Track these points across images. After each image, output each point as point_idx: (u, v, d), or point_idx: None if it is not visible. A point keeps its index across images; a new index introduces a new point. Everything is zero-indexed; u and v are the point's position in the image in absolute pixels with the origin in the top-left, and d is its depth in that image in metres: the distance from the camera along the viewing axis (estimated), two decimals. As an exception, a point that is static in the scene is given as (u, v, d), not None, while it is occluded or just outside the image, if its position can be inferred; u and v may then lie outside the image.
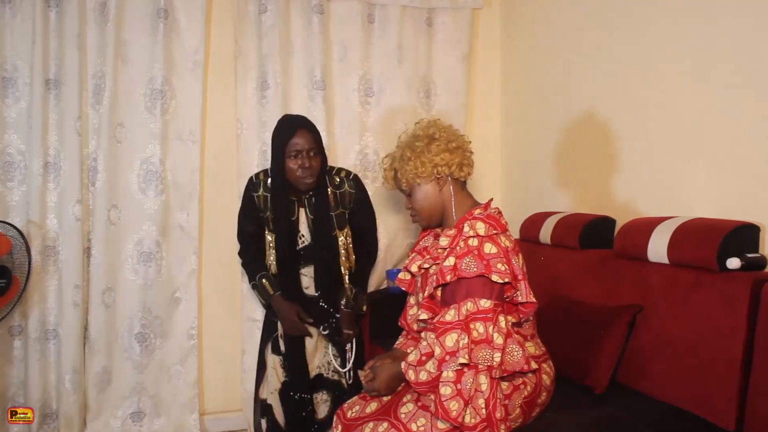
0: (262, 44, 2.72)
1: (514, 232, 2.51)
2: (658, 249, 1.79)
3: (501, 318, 1.49)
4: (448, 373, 1.45)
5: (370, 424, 1.58)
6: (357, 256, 2.33)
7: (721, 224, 1.66)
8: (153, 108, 2.62)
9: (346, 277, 2.27)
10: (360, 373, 1.72)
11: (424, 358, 1.52)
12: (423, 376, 1.50)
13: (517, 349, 1.52)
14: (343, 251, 2.27)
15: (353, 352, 2.26)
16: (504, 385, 1.54)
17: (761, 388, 1.47)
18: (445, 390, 1.45)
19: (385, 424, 1.55)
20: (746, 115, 1.75)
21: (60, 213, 2.52)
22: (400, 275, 1.80)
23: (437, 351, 1.48)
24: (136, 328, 2.64)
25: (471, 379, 1.44)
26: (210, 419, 2.82)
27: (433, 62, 3.00)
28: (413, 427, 1.51)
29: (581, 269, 2.17)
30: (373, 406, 1.65)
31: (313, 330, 2.23)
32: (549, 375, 1.66)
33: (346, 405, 1.72)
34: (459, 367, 1.45)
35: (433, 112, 2.98)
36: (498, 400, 1.46)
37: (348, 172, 2.30)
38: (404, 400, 1.59)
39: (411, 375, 1.52)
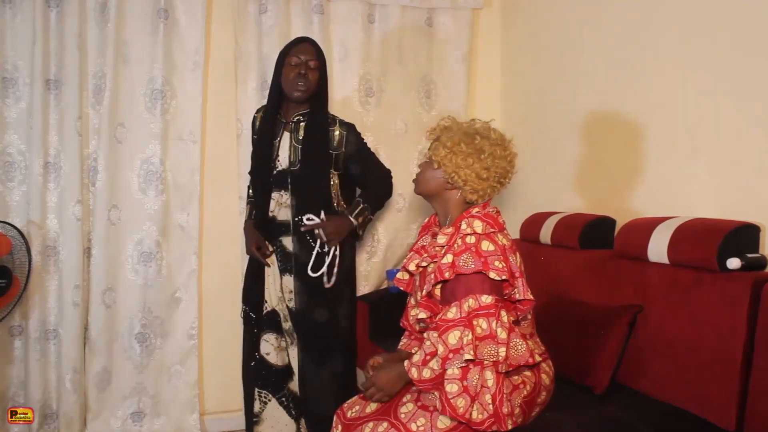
0: (262, 44, 2.72)
1: (514, 232, 2.52)
2: (658, 249, 1.79)
3: (503, 313, 1.50)
4: (454, 371, 1.46)
5: (370, 424, 1.58)
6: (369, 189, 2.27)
7: (721, 224, 1.66)
8: (153, 108, 2.62)
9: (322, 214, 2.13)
10: (361, 377, 1.71)
11: (428, 357, 1.53)
12: (426, 374, 1.50)
13: (520, 343, 1.53)
14: (333, 193, 2.19)
15: (330, 257, 2.11)
16: (504, 384, 1.54)
17: (761, 388, 1.47)
18: (452, 387, 1.45)
19: (385, 424, 1.55)
20: (746, 115, 1.75)
21: (60, 213, 2.52)
22: (399, 275, 1.79)
23: (440, 349, 1.49)
24: (136, 328, 2.64)
25: (477, 376, 1.45)
26: (210, 419, 2.82)
27: (433, 62, 3.00)
28: (413, 426, 1.51)
29: (581, 269, 2.17)
30: (373, 406, 1.64)
31: (273, 267, 2.23)
32: (548, 374, 1.66)
33: (346, 405, 1.72)
34: (464, 364, 1.45)
35: (433, 112, 2.97)
36: (504, 395, 1.47)
37: (343, 120, 2.25)
38: (404, 400, 1.59)
39: (414, 373, 1.53)
